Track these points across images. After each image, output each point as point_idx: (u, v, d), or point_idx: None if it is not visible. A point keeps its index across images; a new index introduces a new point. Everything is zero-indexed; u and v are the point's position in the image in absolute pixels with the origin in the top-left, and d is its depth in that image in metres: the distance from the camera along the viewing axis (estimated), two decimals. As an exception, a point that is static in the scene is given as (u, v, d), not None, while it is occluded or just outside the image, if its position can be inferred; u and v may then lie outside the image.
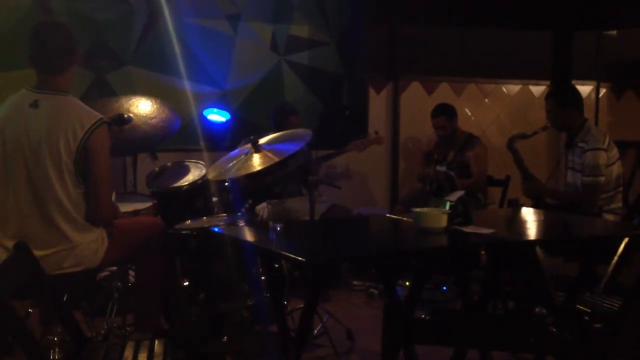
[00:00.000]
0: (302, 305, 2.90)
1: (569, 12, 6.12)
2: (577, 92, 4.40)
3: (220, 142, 4.95)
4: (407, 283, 4.37)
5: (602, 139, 4.14)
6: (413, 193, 5.29)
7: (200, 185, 3.61)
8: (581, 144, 4.17)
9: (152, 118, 3.65)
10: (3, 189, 2.85)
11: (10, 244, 2.56)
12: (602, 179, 4.07)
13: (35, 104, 2.84)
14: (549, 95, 4.49)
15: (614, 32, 6.56)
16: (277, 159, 3.03)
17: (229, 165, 3.14)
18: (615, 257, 3.12)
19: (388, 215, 3.49)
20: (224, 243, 3.27)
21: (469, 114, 6.29)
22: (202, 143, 4.90)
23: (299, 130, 3.52)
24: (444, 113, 5.21)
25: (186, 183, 3.63)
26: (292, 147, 3.16)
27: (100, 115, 2.91)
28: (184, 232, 3.39)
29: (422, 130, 5.34)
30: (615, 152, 4.16)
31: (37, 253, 2.67)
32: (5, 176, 2.85)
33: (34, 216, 2.82)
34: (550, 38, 6.50)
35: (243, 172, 3.08)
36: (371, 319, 4.08)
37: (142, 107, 3.66)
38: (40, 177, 2.80)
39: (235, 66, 5.38)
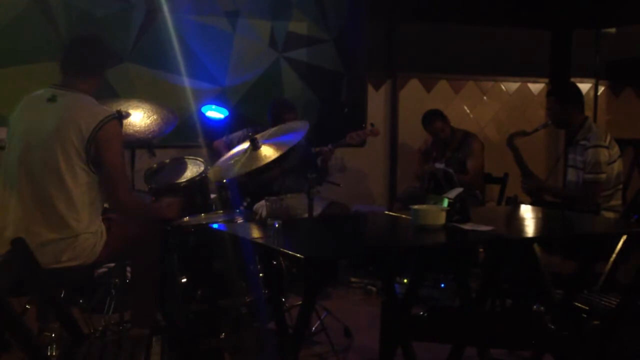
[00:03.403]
0: (300, 302, 2.89)
1: (568, 10, 6.12)
2: (578, 90, 4.40)
3: (218, 138, 4.94)
4: (405, 280, 4.37)
5: (603, 136, 4.15)
6: (411, 190, 5.29)
7: (198, 182, 3.60)
8: (583, 142, 4.17)
9: (150, 115, 3.64)
10: (7, 181, 2.88)
11: (11, 235, 2.57)
12: (603, 176, 4.07)
13: (53, 99, 2.91)
14: (550, 93, 4.49)
15: (613, 30, 6.56)
16: (277, 154, 3.03)
17: (229, 163, 3.15)
18: (613, 255, 3.12)
19: (386, 212, 3.49)
20: (223, 240, 3.27)
21: (468, 111, 6.29)
22: (200, 139, 4.90)
23: (296, 123, 3.51)
24: (438, 116, 5.21)
25: (184, 180, 3.63)
26: (291, 139, 3.16)
27: (113, 111, 3.00)
28: (182, 228, 3.39)
29: (421, 128, 5.34)
30: (616, 149, 4.16)
31: (38, 239, 2.73)
32: (10, 168, 2.88)
33: (37, 205, 2.83)
34: (549, 36, 6.50)
35: (245, 170, 3.08)
36: (369, 316, 4.08)
37: (141, 106, 3.66)
38: (50, 165, 2.82)
39: (233, 63, 5.37)
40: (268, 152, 3.09)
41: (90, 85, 3.01)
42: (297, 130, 3.25)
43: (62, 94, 2.92)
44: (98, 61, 3.04)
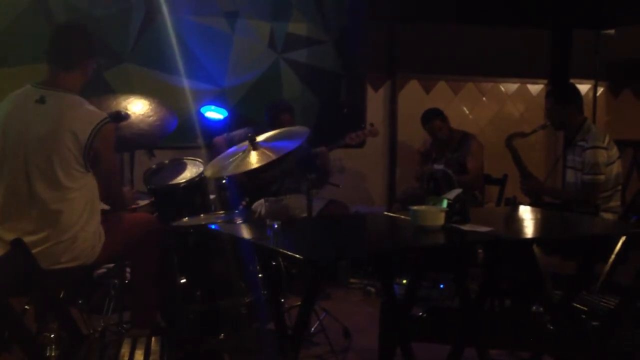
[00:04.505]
0: (299, 303, 2.90)
1: (567, 11, 6.12)
2: (577, 91, 4.41)
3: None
4: (404, 281, 4.37)
5: (602, 137, 4.15)
6: (410, 191, 5.29)
7: (197, 183, 3.60)
8: (581, 143, 4.17)
9: (149, 116, 3.64)
10: (3, 184, 2.86)
11: (10, 237, 2.57)
12: (602, 177, 4.07)
13: (41, 100, 2.87)
14: (549, 94, 4.50)
15: (612, 31, 6.56)
16: (274, 157, 3.03)
17: (227, 162, 3.15)
18: (612, 256, 3.12)
19: (385, 213, 3.49)
20: (222, 240, 3.27)
21: (467, 112, 6.29)
22: (199, 140, 4.90)
23: (297, 128, 3.52)
24: (437, 116, 5.22)
25: (183, 180, 3.63)
26: (290, 145, 3.17)
27: (106, 114, 2.97)
28: (181, 229, 3.39)
29: (420, 129, 5.35)
30: (615, 150, 4.16)
31: (37, 242, 2.73)
32: (6, 171, 2.86)
33: (35, 207, 2.82)
34: (548, 36, 6.50)
35: (241, 170, 3.08)
36: (368, 317, 4.08)
37: (140, 105, 3.66)
38: (46, 170, 2.81)
39: (233, 64, 5.37)
40: (266, 154, 3.09)
41: (76, 79, 2.95)
42: (297, 136, 3.26)
43: (50, 95, 2.87)
44: (82, 49, 2.98)
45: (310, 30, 5.65)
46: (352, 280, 4.92)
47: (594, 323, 2.80)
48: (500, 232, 2.86)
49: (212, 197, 3.71)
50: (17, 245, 2.29)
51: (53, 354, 3.04)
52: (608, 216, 4.08)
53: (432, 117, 5.21)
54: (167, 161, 3.85)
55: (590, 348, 2.68)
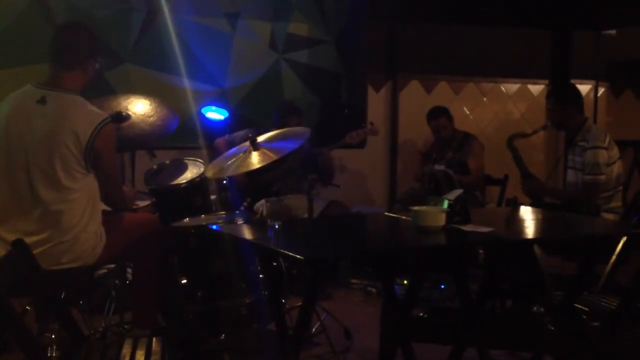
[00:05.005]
0: (300, 304, 2.90)
1: (568, 11, 6.12)
2: (578, 91, 4.41)
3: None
4: (405, 281, 4.37)
5: (602, 137, 4.15)
6: (411, 191, 5.29)
7: (198, 183, 3.60)
8: (582, 143, 4.17)
9: (150, 116, 3.64)
10: (5, 184, 2.86)
11: (11, 237, 2.57)
12: (603, 177, 4.07)
13: (42, 100, 2.86)
14: (550, 94, 4.50)
15: (613, 32, 6.56)
16: (275, 157, 3.03)
17: (228, 163, 3.15)
18: (613, 256, 3.12)
19: (386, 213, 3.49)
20: (223, 241, 3.27)
21: (468, 112, 6.29)
22: (200, 141, 4.90)
23: (298, 129, 3.52)
24: (444, 113, 5.24)
25: (184, 181, 3.63)
26: (290, 145, 3.17)
27: (105, 114, 2.97)
28: (182, 229, 3.39)
29: (421, 129, 5.35)
30: (615, 151, 4.16)
31: (38, 242, 2.73)
32: (8, 171, 2.86)
33: (36, 208, 2.82)
34: (549, 37, 6.50)
35: (241, 170, 3.08)
36: (369, 318, 4.08)
37: (141, 105, 3.66)
38: (47, 171, 2.80)
39: (234, 64, 5.37)
40: (266, 155, 3.09)
41: (77, 79, 2.94)
42: (298, 136, 3.26)
43: (50, 95, 2.87)
44: (83, 49, 2.96)
45: (310, 31, 5.66)
46: (353, 280, 4.92)
47: (595, 323, 2.80)
48: (501, 232, 2.86)
49: (213, 197, 3.71)
50: (18, 245, 2.29)
51: (54, 355, 3.04)
52: (609, 216, 4.08)
53: (439, 114, 5.23)
54: (168, 161, 3.85)
55: (591, 348, 2.68)
